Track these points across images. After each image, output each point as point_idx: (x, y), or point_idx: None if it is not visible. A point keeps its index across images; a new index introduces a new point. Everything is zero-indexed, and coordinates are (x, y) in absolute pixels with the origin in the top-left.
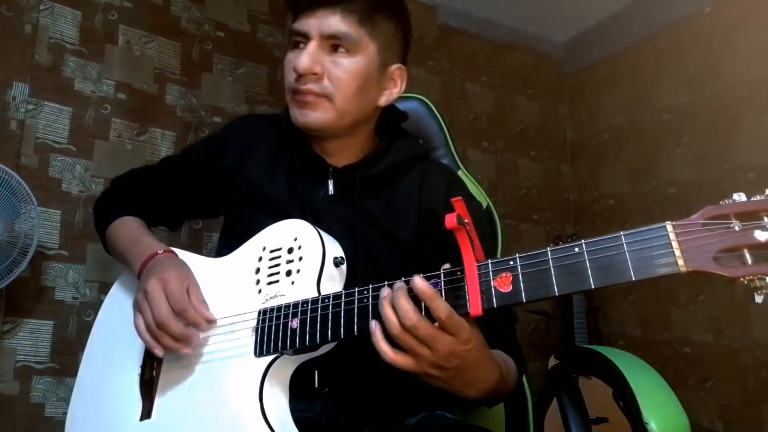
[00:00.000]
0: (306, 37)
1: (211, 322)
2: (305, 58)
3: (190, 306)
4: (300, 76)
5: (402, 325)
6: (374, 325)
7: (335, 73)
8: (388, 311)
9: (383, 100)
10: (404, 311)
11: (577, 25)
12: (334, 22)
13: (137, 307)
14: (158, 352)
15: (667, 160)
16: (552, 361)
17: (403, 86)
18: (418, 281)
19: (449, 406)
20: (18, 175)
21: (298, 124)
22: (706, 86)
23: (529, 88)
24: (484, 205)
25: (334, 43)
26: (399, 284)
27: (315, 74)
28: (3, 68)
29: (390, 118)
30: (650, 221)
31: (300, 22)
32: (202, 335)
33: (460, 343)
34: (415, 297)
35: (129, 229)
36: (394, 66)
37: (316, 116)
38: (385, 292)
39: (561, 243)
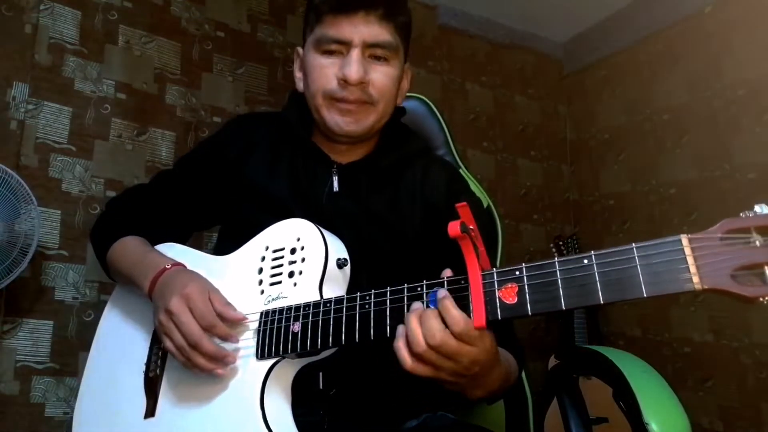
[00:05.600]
0: (345, 44)
1: (239, 320)
2: (357, 67)
3: (218, 320)
4: (346, 84)
5: (426, 342)
6: (401, 329)
7: (380, 81)
8: (415, 326)
9: (400, 100)
10: (430, 329)
11: (577, 25)
12: (377, 30)
13: (162, 330)
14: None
15: (667, 160)
16: (552, 361)
17: (409, 83)
18: (440, 291)
19: (450, 406)
20: (18, 175)
21: (338, 131)
22: (706, 86)
23: (529, 88)
24: (485, 204)
25: (375, 52)
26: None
27: (363, 83)
28: (3, 68)
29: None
30: (650, 221)
31: (336, 28)
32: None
33: (481, 352)
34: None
35: (130, 248)
36: (406, 65)
37: (361, 124)
38: (416, 304)
39: (561, 243)
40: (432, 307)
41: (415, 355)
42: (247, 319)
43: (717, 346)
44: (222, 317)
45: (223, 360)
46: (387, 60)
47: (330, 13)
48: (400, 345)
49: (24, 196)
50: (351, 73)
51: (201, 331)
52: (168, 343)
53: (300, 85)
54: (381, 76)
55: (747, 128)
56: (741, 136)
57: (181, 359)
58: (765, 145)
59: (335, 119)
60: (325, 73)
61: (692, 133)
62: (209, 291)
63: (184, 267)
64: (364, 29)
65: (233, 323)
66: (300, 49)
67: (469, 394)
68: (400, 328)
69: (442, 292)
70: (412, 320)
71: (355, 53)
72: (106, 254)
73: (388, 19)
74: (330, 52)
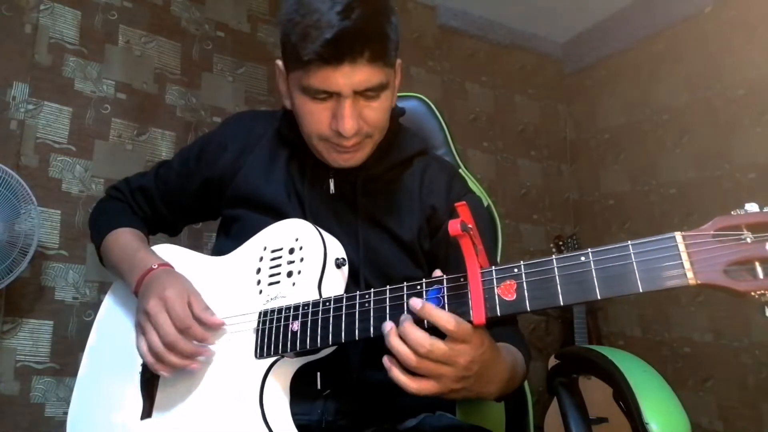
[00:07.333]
0: (334, 93)
1: (218, 325)
2: (351, 122)
3: (195, 322)
4: (341, 134)
5: (417, 354)
6: (388, 361)
7: (373, 117)
8: (398, 345)
9: (394, 101)
10: (415, 340)
11: (577, 25)
12: (366, 75)
13: (140, 330)
14: (164, 373)
15: (667, 160)
16: (552, 361)
17: (401, 77)
18: (413, 301)
19: (449, 406)
20: (18, 175)
21: (337, 167)
22: (705, 86)
23: (529, 88)
24: (485, 204)
25: (367, 94)
26: (403, 316)
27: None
28: (3, 68)
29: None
30: (650, 221)
31: (322, 79)
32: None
33: (475, 348)
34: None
35: (123, 242)
36: (397, 62)
37: (358, 157)
38: (388, 327)
39: (561, 243)
40: (431, 298)
41: (412, 373)
42: (224, 323)
43: (717, 346)
44: (200, 321)
45: (198, 355)
46: (379, 96)
47: (314, 63)
48: (396, 373)
49: (24, 196)
50: (345, 129)
51: (177, 332)
52: (141, 343)
53: (287, 103)
54: (374, 112)
55: (747, 128)
56: (741, 136)
57: (149, 359)
58: (765, 145)
59: (333, 157)
60: (317, 119)
61: (692, 133)
62: (189, 294)
63: (171, 268)
64: (352, 78)
65: (212, 328)
66: (280, 63)
67: (484, 395)
68: (386, 360)
69: (418, 303)
70: (394, 341)
71: (347, 105)
72: (101, 242)
73: (375, 60)
74: (320, 99)
